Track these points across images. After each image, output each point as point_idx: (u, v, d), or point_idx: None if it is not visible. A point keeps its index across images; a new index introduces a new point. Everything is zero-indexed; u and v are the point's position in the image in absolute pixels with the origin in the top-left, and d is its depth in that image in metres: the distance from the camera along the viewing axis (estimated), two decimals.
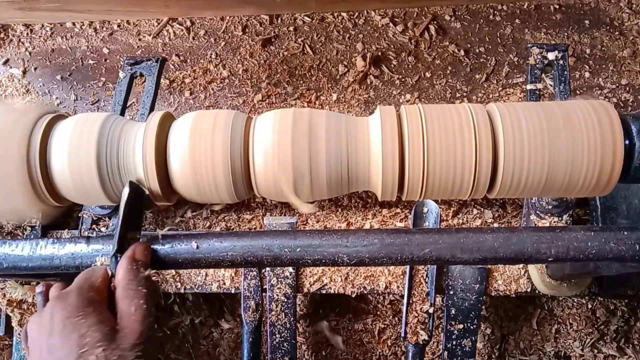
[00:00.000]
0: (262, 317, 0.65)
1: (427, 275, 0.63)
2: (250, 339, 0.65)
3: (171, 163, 0.48)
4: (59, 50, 0.90)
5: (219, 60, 0.87)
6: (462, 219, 0.67)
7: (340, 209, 0.69)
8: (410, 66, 0.84)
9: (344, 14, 0.89)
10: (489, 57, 0.84)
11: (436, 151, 0.45)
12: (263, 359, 0.71)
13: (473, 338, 0.62)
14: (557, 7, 0.87)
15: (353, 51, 0.86)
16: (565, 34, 0.85)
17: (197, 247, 0.46)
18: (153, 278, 0.41)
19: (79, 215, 0.60)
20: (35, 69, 0.88)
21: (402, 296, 0.67)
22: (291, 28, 0.89)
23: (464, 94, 0.82)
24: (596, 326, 0.75)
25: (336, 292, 0.65)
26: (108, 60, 0.88)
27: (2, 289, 0.62)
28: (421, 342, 0.61)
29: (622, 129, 0.44)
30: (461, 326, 0.62)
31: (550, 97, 0.70)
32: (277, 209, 0.70)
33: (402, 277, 0.64)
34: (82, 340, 0.35)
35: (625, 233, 0.45)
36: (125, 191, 0.44)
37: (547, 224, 0.59)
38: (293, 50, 0.87)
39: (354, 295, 0.64)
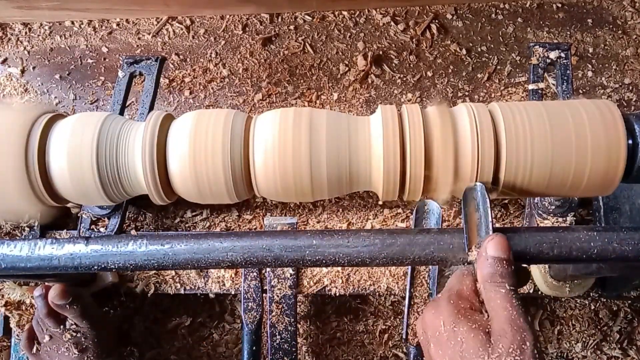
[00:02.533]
0: (262, 318, 0.65)
1: (428, 276, 0.63)
2: (251, 340, 0.64)
3: (170, 163, 0.48)
4: (58, 49, 0.89)
5: (219, 59, 0.86)
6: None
7: (341, 209, 0.69)
8: (411, 65, 0.84)
9: (345, 13, 0.88)
10: (491, 56, 0.83)
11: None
12: None
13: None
14: (559, 5, 0.86)
15: (354, 50, 0.85)
16: (568, 32, 0.85)
17: None
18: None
19: (78, 215, 0.60)
20: (33, 68, 0.88)
21: (403, 297, 0.66)
22: (292, 27, 0.88)
23: (466, 93, 0.81)
24: (599, 327, 0.74)
25: (337, 293, 0.64)
26: (107, 59, 0.88)
27: (0, 289, 0.62)
28: None
29: (625, 128, 0.44)
30: None
31: (552, 97, 0.69)
32: (277, 209, 0.70)
33: (403, 278, 0.63)
34: (460, 348, 0.35)
35: (628, 233, 0.45)
36: (477, 188, 0.42)
37: (550, 224, 0.59)
38: (293, 49, 0.86)
39: (355, 296, 0.64)
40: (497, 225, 0.67)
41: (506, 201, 0.70)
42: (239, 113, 0.49)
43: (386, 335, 0.76)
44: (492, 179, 0.46)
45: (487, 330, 0.36)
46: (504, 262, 0.38)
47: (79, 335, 0.57)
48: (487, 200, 0.43)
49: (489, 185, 0.45)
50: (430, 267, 0.63)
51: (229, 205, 0.71)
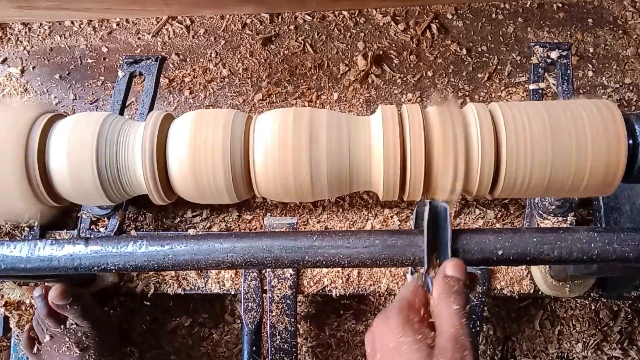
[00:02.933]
0: (262, 318, 0.65)
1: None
2: (251, 340, 0.64)
3: (170, 163, 0.48)
4: (58, 49, 0.89)
5: (219, 59, 0.86)
6: (464, 220, 0.67)
7: (341, 210, 0.69)
8: (411, 65, 0.84)
9: (345, 13, 0.88)
10: (491, 56, 0.83)
11: None
12: None
13: (475, 339, 0.62)
14: (560, 5, 0.86)
15: (354, 50, 0.85)
16: (569, 32, 0.84)
17: None
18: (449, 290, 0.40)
19: (78, 215, 0.60)
20: (33, 67, 0.88)
21: None
22: (292, 27, 0.88)
23: (466, 93, 0.81)
24: (599, 328, 0.74)
25: (337, 293, 0.64)
26: (107, 59, 0.88)
27: (0, 289, 0.61)
28: None
29: (625, 129, 0.44)
30: None
31: (553, 97, 0.69)
32: (277, 209, 0.70)
33: (403, 278, 0.63)
34: (404, 358, 0.36)
35: (629, 234, 0.45)
36: (426, 210, 0.44)
37: (550, 225, 0.59)
38: (294, 49, 0.86)
39: (355, 296, 0.64)
40: (498, 225, 0.67)
41: (506, 201, 0.70)
42: (239, 113, 0.49)
43: None
44: (492, 179, 0.46)
45: (431, 344, 0.37)
46: (460, 282, 0.39)
47: (79, 335, 0.57)
48: (450, 220, 0.45)
49: (454, 199, 0.46)
50: None
51: (229, 206, 0.71)
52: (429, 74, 0.83)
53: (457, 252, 0.45)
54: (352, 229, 0.68)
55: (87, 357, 0.57)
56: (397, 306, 0.40)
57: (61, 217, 0.66)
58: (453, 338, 0.36)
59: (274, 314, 0.63)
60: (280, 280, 0.64)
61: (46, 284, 0.58)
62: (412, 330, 0.37)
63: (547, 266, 0.61)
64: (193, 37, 0.88)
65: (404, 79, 0.83)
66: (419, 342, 0.36)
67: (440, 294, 0.39)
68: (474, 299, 0.62)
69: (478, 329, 0.62)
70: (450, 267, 0.41)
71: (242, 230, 0.69)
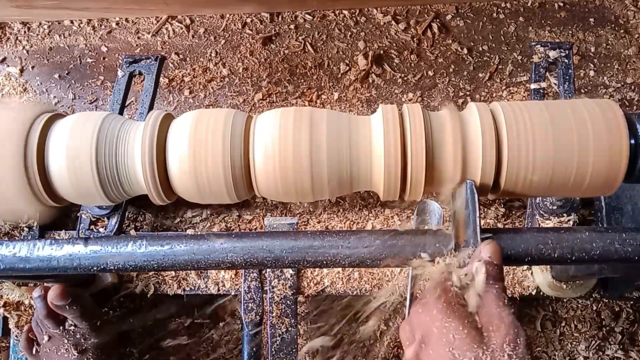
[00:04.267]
0: (262, 319, 0.64)
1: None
2: (251, 341, 0.64)
3: (170, 162, 0.48)
4: (57, 49, 0.89)
5: (219, 59, 0.86)
6: None
7: (341, 209, 0.69)
8: (412, 65, 0.84)
9: (346, 12, 0.88)
10: (492, 56, 0.83)
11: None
12: None
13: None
14: (561, 4, 0.86)
15: (355, 49, 0.85)
16: (570, 32, 0.84)
17: None
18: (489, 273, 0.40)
19: (77, 215, 0.60)
20: (32, 67, 0.88)
21: (405, 298, 0.66)
22: (292, 26, 0.88)
23: (467, 92, 0.81)
24: (601, 328, 0.74)
25: (337, 293, 0.64)
26: (106, 59, 0.88)
27: None
28: None
29: (627, 128, 0.44)
30: None
31: (554, 96, 0.69)
32: (277, 209, 0.70)
33: (404, 278, 0.63)
34: (453, 345, 0.35)
35: (631, 234, 0.45)
36: (463, 189, 0.43)
37: (552, 225, 0.58)
38: (294, 48, 0.86)
39: (355, 297, 0.64)
40: (499, 225, 0.67)
41: (508, 201, 0.69)
42: (239, 113, 0.49)
43: (387, 336, 0.76)
44: (493, 178, 0.46)
45: (477, 326, 0.37)
46: (496, 266, 0.39)
47: (78, 336, 0.57)
48: (476, 197, 0.43)
49: (478, 183, 0.45)
50: None
51: (229, 206, 0.70)
52: (430, 73, 0.83)
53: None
54: (353, 229, 0.67)
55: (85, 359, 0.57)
56: (435, 294, 0.39)
57: (60, 217, 0.66)
58: (500, 317, 0.36)
59: (274, 314, 0.63)
60: (280, 281, 0.64)
61: (45, 284, 0.58)
62: (457, 316, 0.37)
63: (549, 266, 0.61)
64: (193, 36, 0.88)
65: (405, 78, 0.83)
66: (467, 327, 0.36)
67: (479, 280, 0.38)
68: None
69: None
70: (486, 250, 0.40)
71: (242, 231, 0.69)
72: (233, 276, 0.65)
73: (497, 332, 0.35)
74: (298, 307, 0.64)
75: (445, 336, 0.36)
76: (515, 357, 0.34)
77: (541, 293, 0.63)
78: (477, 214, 0.43)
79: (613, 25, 0.84)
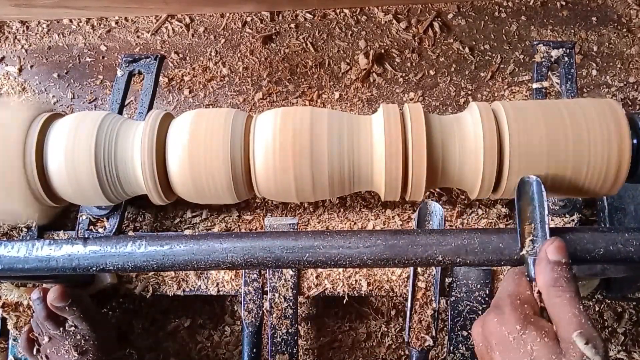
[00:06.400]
0: (262, 320, 0.64)
1: (431, 278, 0.62)
2: (251, 342, 0.64)
3: (170, 162, 0.47)
4: (56, 48, 0.88)
5: (219, 58, 0.86)
6: (467, 220, 0.66)
7: (342, 209, 0.68)
8: (413, 64, 0.83)
9: (346, 11, 0.88)
10: (494, 55, 0.83)
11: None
12: None
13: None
14: (563, 3, 0.86)
15: (355, 49, 0.85)
16: (572, 31, 0.84)
17: None
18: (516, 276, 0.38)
19: (77, 215, 0.59)
20: (31, 66, 0.87)
21: (405, 299, 0.66)
22: (292, 25, 0.87)
23: (469, 92, 0.81)
24: (604, 329, 0.74)
25: (338, 294, 0.64)
26: (106, 58, 0.87)
27: None
28: (425, 348, 0.60)
29: (629, 128, 0.44)
30: (466, 330, 0.61)
31: (556, 96, 0.68)
32: (278, 209, 0.69)
33: (405, 279, 0.63)
34: (531, 356, 0.34)
35: (633, 234, 0.44)
36: (516, 188, 0.41)
37: (554, 225, 0.58)
38: (294, 47, 0.86)
39: (356, 298, 0.63)
40: (501, 225, 0.67)
41: (510, 201, 0.69)
42: (239, 112, 0.49)
43: (387, 338, 0.76)
44: (494, 178, 0.45)
45: (555, 337, 0.35)
46: (565, 266, 0.37)
47: (78, 337, 0.57)
48: (544, 195, 0.41)
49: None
50: (434, 268, 0.63)
51: (229, 206, 0.70)
52: (431, 72, 0.82)
53: None
54: (354, 229, 0.67)
55: None
56: (509, 301, 0.38)
57: (60, 218, 0.65)
58: (577, 327, 0.34)
59: (274, 315, 0.63)
60: (280, 282, 0.63)
61: (44, 285, 0.58)
62: (533, 325, 0.36)
63: None
64: (193, 35, 0.88)
65: (406, 77, 0.82)
66: (544, 337, 0.35)
67: (548, 282, 0.37)
68: (476, 300, 0.61)
69: None
70: (552, 250, 0.38)
71: (243, 231, 0.68)
72: (233, 277, 0.65)
73: (570, 340, 0.34)
74: (298, 307, 0.64)
75: (523, 347, 0.35)
76: None
77: None
78: (546, 212, 0.40)
79: (615, 24, 0.83)
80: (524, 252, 0.41)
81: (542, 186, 0.42)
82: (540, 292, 0.38)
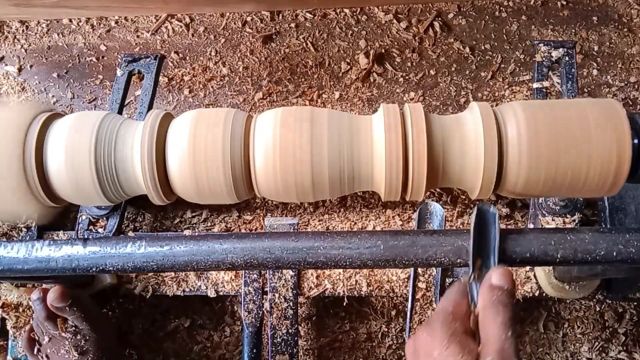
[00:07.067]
0: (262, 320, 0.64)
1: (431, 278, 0.62)
2: (251, 342, 0.64)
3: (170, 162, 0.47)
4: (56, 47, 0.88)
5: (219, 58, 0.85)
6: (467, 220, 0.66)
7: (342, 210, 0.68)
8: (414, 63, 0.83)
9: (347, 10, 0.88)
10: (494, 54, 0.83)
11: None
12: None
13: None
14: (564, 3, 0.85)
15: (356, 48, 0.85)
16: (573, 30, 0.84)
17: None
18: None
19: (76, 215, 0.59)
20: (31, 66, 0.87)
21: (406, 300, 0.65)
22: (292, 25, 0.87)
23: (469, 91, 0.80)
24: (604, 330, 0.73)
25: (338, 295, 0.63)
26: (105, 58, 0.87)
27: None
28: None
29: (630, 128, 0.43)
30: None
31: (557, 95, 0.68)
32: (278, 209, 0.69)
33: (405, 280, 0.62)
34: None
35: (634, 235, 0.44)
36: (473, 214, 0.43)
37: (555, 225, 0.58)
38: (294, 47, 0.86)
39: (356, 298, 0.63)
40: (502, 226, 0.67)
41: (510, 201, 0.69)
42: (239, 112, 0.49)
43: (388, 338, 0.75)
44: (495, 178, 0.45)
45: (476, 357, 0.36)
46: (507, 292, 0.38)
47: (79, 337, 0.57)
48: (498, 226, 0.43)
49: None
50: (434, 269, 0.62)
51: (229, 206, 0.70)
52: (432, 72, 0.82)
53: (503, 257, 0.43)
54: (354, 229, 0.67)
55: None
56: (442, 317, 0.39)
57: (59, 218, 0.65)
58: (498, 352, 0.35)
59: (274, 315, 0.63)
60: (281, 282, 0.63)
61: (44, 286, 0.58)
62: (458, 342, 0.37)
63: (551, 267, 0.61)
64: (193, 35, 0.88)
65: (406, 77, 0.82)
66: (465, 355, 0.36)
67: (486, 304, 0.38)
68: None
69: None
70: (496, 275, 0.39)
71: (243, 231, 0.68)
72: (233, 277, 0.65)
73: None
74: (298, 308, 0.64)
75: None
76: None
77: (544, 294, 0.62)
78: (497, 243, 0.42)
79: (616, 24, 0.83)
80: (473, 276, 0.42)
81: (497, 217, 0.43)
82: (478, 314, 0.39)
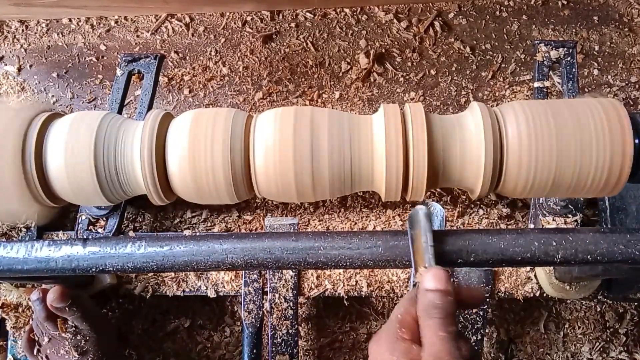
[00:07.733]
0: (263, 320, 0.64)
1: None
2: (251, 343, 0.64)
3: (170, 162, 0.47)
4: (55, 47, 0.88)
5: (219, 57, 0.85)
6: (468, 220, 0.66)
7: (342, 210, 0.68)
8: (414, 63, 0.83)
9: (347, 10, 0.87)
10: (495, 54, 0.82)
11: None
12: None
13: (479, 342, 0.61)
14: (565, 2, 0.85)
15: (356, 48, 0.84)
16: (574, 30, 0.83)
17: None
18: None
19: (76, 216, 0.59)
20: (30, 66, 0.87)
21: None
22: (292, 24, 0.87)
23: (470, 91, 0.80)
24: (605, 330, 0.73)
25: (339, 295, 0.63)
26: (105, 57, 0.87)
27: None
28: None
29: (631, 128, 0.43)
30: (466, 330, 0.61)
31: (558, 95, 0.68)
32: (278, 209, 0.69)
33: (406, 280, 0.62)
34: None
35: (635, 235, 0.44)
36: (408, 217, 0.43)
37: (555, 225, 0.58)
38: (295, 47, 0.85)
39: (356, 299, 0.63)
40: (502, 226, 0.66)
41: (511, 201, 0.69)
42: (239, 112, 0.48)
43: None
44: (496, 178, 0.45)
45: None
46: (439, 293, 0.38)
47: (79, 337, 0.56)
48: (429, 225, 0.43)
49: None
50: None
51: (229, 206, 0.70)
52: (432, 72, 0.82)
53: (445, 255, 0.43)
54: (354, 229, 0.67)
55: None
56: (389, 325, 0.39)
57: (59, 218, 0.65)
58: (433, 355, 0.35)
59: (274, 316, 0.63)
60: (281, 282, 0.63)
61: (44, 286, 0.57)
62: (402, 348, 0.37)
63: (552, 267, 0.60)
64: (192, 34, 0.87)
65: (407, 77, 0.82)
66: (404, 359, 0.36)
67: (420, 308, 0.38)
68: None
69: (482, 331, 0.61)
70: (427, 278, 0.39)
71: (243, 231, 0.68)
72: (233, 277, 0.65)
73: None
74: (299, 308, 0.64)
75: None
76: None
77: (544, 294, 0.62)
78: (431, 242, 0.42)
79: (617, 24, 0.83)
80: (415, 279, 0.42)
81: (429, 218, 0.43)
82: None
